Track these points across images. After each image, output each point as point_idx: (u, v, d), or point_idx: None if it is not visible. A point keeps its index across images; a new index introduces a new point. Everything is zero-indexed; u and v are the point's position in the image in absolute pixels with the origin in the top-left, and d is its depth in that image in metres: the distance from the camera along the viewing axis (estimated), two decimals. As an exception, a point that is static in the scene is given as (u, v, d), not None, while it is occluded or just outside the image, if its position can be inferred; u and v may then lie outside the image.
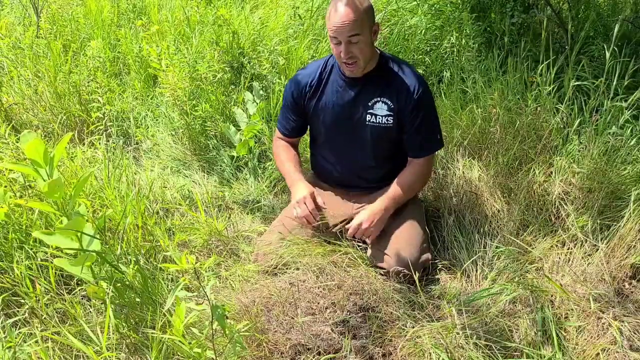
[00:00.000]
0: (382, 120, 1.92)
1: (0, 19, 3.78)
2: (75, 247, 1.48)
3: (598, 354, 1.55)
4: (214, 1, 3.54)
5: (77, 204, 1.52)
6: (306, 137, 2.30)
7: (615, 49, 2.39)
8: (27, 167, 1.38)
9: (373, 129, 1.94)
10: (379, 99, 1.91)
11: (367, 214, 1.90)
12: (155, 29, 3.52)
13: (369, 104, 1.92)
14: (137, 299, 1.64)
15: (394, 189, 1.95)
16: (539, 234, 2.02)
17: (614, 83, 2.33)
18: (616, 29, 2.38)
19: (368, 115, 1.93)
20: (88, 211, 1.69)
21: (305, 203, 1.90)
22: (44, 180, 1.37)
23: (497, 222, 2.10)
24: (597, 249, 1.89)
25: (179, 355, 1.53)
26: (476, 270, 1.93)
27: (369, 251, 1.95)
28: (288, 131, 2.13)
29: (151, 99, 3.38)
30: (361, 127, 1.95)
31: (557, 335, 1.58)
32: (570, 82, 2.45)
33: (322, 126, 2.04)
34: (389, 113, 1.91)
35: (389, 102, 1.90)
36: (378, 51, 1.92)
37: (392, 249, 1.86)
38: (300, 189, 1.95)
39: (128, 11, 4.21)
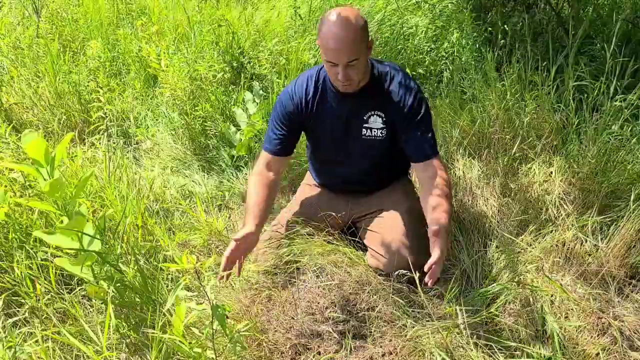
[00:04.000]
0: (377, 134, 1.89)
1: (0, 18, 3.78)
2: (76, 247, 1.49)
3: (598, 354, 1.55)
4: (214, 1, 3.55)
5: (77, 203, 1.52)
6: (304, 141, 2.29)
7: (615, 48, 2.39)
8: (28, 166, 1.39)
9: (369, 142, 1.92)
10: (373, 112, 1.87)
11: (438, 255, 1.56)
12: (155, 29, 3.53)
13: (364, 117, 1.88)
14: (137, 299, 1.64)
15: (441, 208, 1.69)
16: (539, 234, 2.02)
17: (614, 83, 2.33)
18: (616, 29, 2.38)
19: (364, 130, 1.90)
20: (88, 211, 1.69)
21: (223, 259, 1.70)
22: (45, 180, 1.37)
23: (497, 222, 2.10)
24: (597, 249, 1.89)
25: (179, 355, 1.53)
26: (476, 270, 1.93)
27: (368, 253, 1.95)
28: (281, 149, 1.96)
29: (151, 98, 3.38)
30: (357, 141, 1.93)
31: (557, 335, 1.58)
32: (570, 81, 2.45)
33: (318, 139, 2.02)
34: (383, 126, 1.88)
35: (383, 115, 1.87)
36: (369, 62, 1.87)
37: (392, 249, 1.86)
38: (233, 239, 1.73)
39: (126, 11, 4.21)
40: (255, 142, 2.84)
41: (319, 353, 1.59)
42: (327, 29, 1.66)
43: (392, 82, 1.87)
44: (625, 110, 2.29)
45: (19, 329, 1.62)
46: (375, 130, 1.90)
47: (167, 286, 1.80)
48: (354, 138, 1.93)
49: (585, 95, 2.46)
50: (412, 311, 1.73)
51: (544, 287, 1.76)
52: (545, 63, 2.61)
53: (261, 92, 3.05)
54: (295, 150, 2.05)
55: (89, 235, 1.49)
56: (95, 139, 2.93)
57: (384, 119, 1.88)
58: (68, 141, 1.43)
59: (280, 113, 1.95)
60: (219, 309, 1.29)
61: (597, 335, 1.61)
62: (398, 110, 1.85)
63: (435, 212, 1.68)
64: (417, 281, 1.68)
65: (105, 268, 1.60)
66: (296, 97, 1.92)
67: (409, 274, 1.77)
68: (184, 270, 1.59)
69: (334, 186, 2.13)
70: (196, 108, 2.95)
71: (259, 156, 1.98)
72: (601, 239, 1.92)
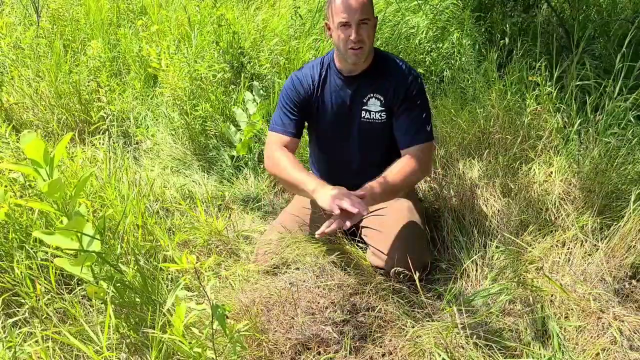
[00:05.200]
0: (375, 116, 1.94)
1: (1, 18, 3.78)
2: (76, 247, 1.48)
3: (598, 354, 1.55)
4: (218, 1, 3.54)
5: (77, 204, 1.52)
6: (305, 138, 2.30)
7: (622, 49, 2.38)
8: (27, 167, 1.38)
9: (368, 125, 1.95)
10: (372, 94, 1.93)
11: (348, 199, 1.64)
12: (156, 29, 3.53)
13: (364, 100, 1.94)
14: (137, 299, 1.64)
15: (382, 177, 1.80)
16: (539, 234, 2.02)
17: (619, 83, 2.33)
18: (630, 34, 2.37)
19: (363, 112, 1.95)
20: (88, 211, 1.69)
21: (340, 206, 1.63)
22: (44, 180, 1.37)
23: (497, 222, 2.10)
24: (597, 249, 1.89)
25: (179, 355, 1.53)
26: (476, 270, 1.93)
27: (369, 251, 1.95)
28: (289, 130, 2.00)
29: (151, 98, 3.38)
30: (357, 124, 1.97)
31: (557, 335, 1.58)
32: (572, 81, 2.45)
33: (322, 127, 2.04)
34: (381, 109, 1.93)
35: (381, 98, 1.92)
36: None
37: (392, 249, 1.86)
38: (328, 192, 1.71)
39: (128, 11, 4.22)
40: (255, 142, 2.84)
41: (319, 353, 1.58)
42: None
43: (393, 68, 1.93)
44: (629, 112, 2.29)
45: (19, 329, 1.62)
46: (374, 113, 1.93)
47: (167, 286, 1.80)
48: (355, 122, 1.97)
49: (588, 95, 2.46)
50: (412, 311, 1.73)
51: (544, 287, 1.76)
52: (545, 63, 2.61)
53: (261, 92, 3.05)
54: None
55: (89, 236, 1.49)
56: (96, 139, 2.93)
57: (382, 102, 1.92)
58: (67, 141, 1.43)
59: (290, 95, 2.00)
60: (219, 309, 1.29)
61: (597, 335, 1.60)
62: (395, 94, 1.90)
63: (383, 176, 1.81)
64: (417, 280, 1.68)
65: (105, 268, 1.60)
66: (304, 82, 1.99)
67: (406, 272, 1.77)
68: (184, 270, 1.59)
69: (335, 182, 2.13)
70: (196, 108, 2.95)
71: (270, 141, 2.00)
72: (601, 239, 1.92)
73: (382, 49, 3.37)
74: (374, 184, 1.78)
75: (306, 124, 2.10)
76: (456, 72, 3.06)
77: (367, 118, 1.95)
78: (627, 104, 2.30)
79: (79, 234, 1.46)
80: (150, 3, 4.23)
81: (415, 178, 1.92)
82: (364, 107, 1.94)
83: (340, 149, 2.04)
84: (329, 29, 1.89)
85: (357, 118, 1.96)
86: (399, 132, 1.94)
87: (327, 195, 1.68)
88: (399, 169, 1.83)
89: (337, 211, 1.61)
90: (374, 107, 1.93)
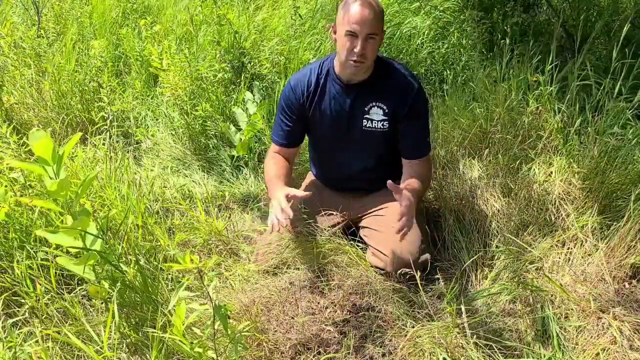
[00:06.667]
0: (377, 125, 1.92)
1: (7, 19, 3.78)
2: (79, 246, 1.49)
3: (598, 353, 1.55)
4: (218, 1, 3.55)
5: (78, 203, 1.53)
6: (305, 140, 2.29)
7: (624, 48, 2.38)
8: (35, 165, 1.39)
9: (370, 134, 1.94)
10: (374, 103, 1.91)
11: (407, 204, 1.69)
12: (158, 29, 3.53)
13: (365, 108, 1.92)
14: (138, 299, 1.64)
15: (413, 189, 1.80)
16: (539, 234, 2.02)
17: (619, 83, 2.32)
18: (625, 30, 2.36)
19: (364, 121, 1.93)
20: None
21: (280, 206, 1.74)
22: (51, 179, 1.38)
23: (497, 222, 2.10)
24: (597, 249, 1.89)
25: (179, 355, 1.53)
26: (476, 270, 1.93)
27: (369, 251, 1.95)
28: (286, 140, 2.04)
29: (151, 98, 3.38)
30: (358, 132, 1.95)
31: (557, 335, 1.58)
32: (574, 82, 2.44)
33: (320, 132, 2.04)
34: (384, 117, 1.91)
35: (384, 107, 1.90)
36: None
37: (392, 249, 1.86)
38: (276, 195, 1.81)
39: (132, 10, 4.22)
40: (255, 142, 2.84)
41: (319, 353, 1.59)
42: (353, 2, 1.77)
43: (395, 76, 1.92)
44: (628, 112, 2.29)
45: (19, 329, 1.62)
46: (376, 122, 1.92)
47: (167, 286, 1.80)
48: (356, 130, 1.96)
49: (589, 95, 2.45)
50: (412, 311, 1.74)
51: (544, 287, 1.76)
52: (546, 63, 2.61)
53: (262, 91, 3.06)
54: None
55: (93, 235, 1.50)
56: (97, 139, 2.93)
57: (386, 111, 1.90)
58: (75, 141, 1.43)
59: (285, 104, 2.01)
60: (222, 310, 1.29)
61: (597, 335, 1.61)
62: (400, 104, 1.89)
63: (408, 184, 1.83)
64: (418, 280, 1.68)
65: (106, 268, 1.60)
66: (298, 89, 1.97)
67: (410, 272, 1.77)
68: (184, 270, 1.59)
69: (335, 183, 2.14)
70: (196, 108, 2.95)
71: (270, 147, 2.12)
72: (601, 239, 1.92)
73: (383, 48, 3.39)
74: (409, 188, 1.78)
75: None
76: (457, 72, 3.06)
77: (369, 127, 1.93)
78: (629, 105, 2.30)
79: (82, 233, 1.46)
80: (155, 3, 4.24)
81: (427, 187, 2.05)
82: (365, 116, 1.92)
83: (339, 153, 2.04)
84: (335, 32, 1.86)
85: (358, 126, 1.94)
86: (404, 143, 1.96)
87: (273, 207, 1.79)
88: (418, 179, 1.89)
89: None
90: (376, 115, 1.92)
